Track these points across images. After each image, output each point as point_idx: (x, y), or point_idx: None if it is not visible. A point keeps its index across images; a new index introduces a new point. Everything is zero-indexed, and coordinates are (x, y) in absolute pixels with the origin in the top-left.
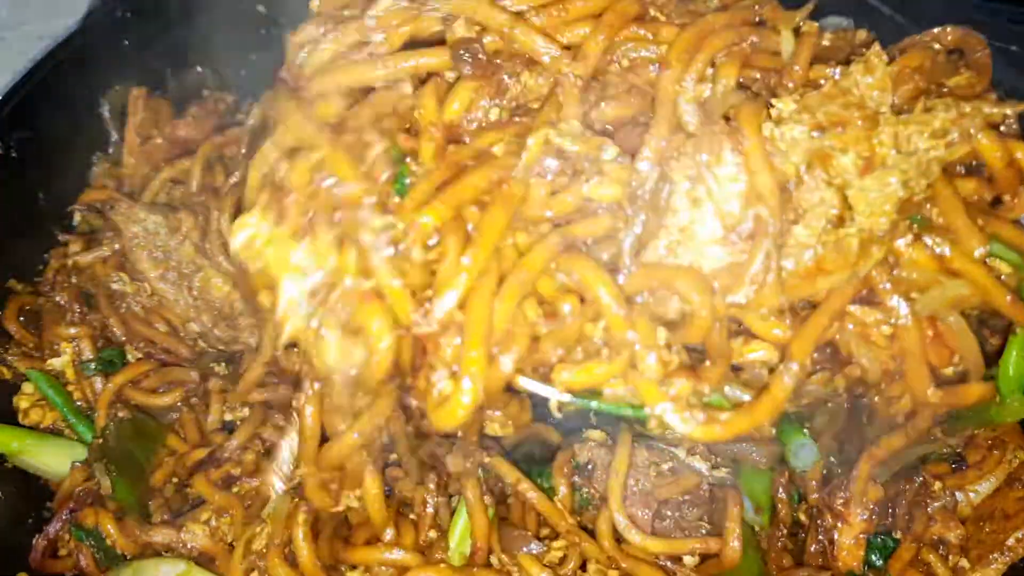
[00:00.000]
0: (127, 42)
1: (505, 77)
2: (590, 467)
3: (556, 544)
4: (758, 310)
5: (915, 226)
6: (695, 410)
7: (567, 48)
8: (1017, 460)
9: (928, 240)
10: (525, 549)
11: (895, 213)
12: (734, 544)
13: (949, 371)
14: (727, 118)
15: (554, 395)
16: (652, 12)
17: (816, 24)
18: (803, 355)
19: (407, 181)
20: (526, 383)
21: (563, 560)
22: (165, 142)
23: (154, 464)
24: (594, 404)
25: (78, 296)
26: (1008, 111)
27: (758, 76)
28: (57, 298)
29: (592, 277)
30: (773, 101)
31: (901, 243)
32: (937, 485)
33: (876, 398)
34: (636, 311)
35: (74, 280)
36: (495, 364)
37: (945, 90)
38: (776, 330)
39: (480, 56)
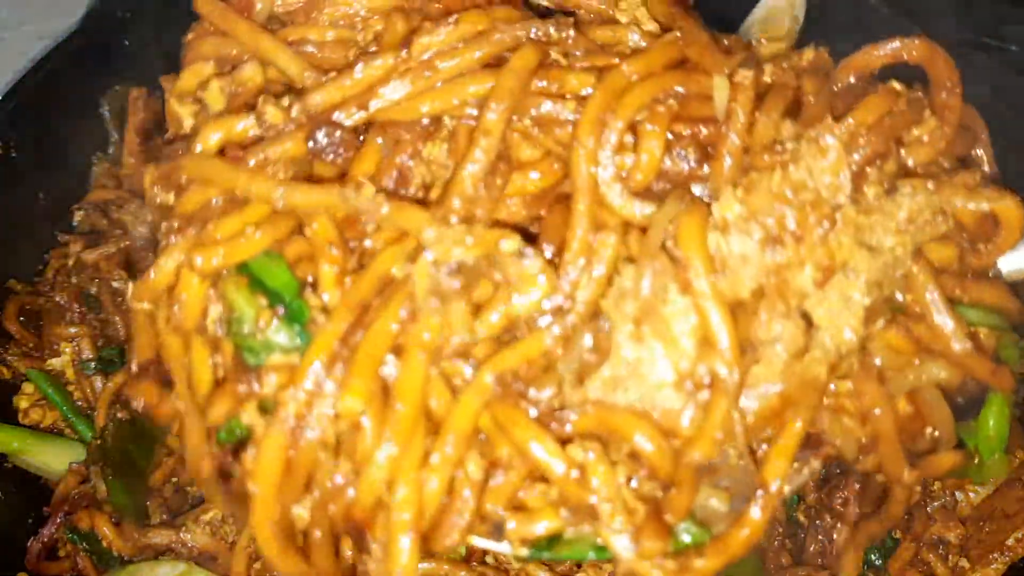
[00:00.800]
0: (127, 42)
1: (405, 159)
2: None
3: None
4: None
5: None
6: (666, 560)
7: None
8: (1017, 460)
9: (902, 320)
10: None
11: (862, 326)
12: None
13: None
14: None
15: (509, 550)
16: (554, 55)
17: (751, 74)
18: (779, 476)
19: (306, 323)
20: (479, 543)
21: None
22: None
23: (153, 464)
24: (554, 555)
25: (78, 296)
26: (984, 205)
27: (688, 133)
28: (57, 298)
29: (533, 447)
30: (715, 207)
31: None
32: (937, 485)
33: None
34: (591, 460)
35: (74, 280)
36: (441, 534)
37: (906, 157)
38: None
39: (343, 135)
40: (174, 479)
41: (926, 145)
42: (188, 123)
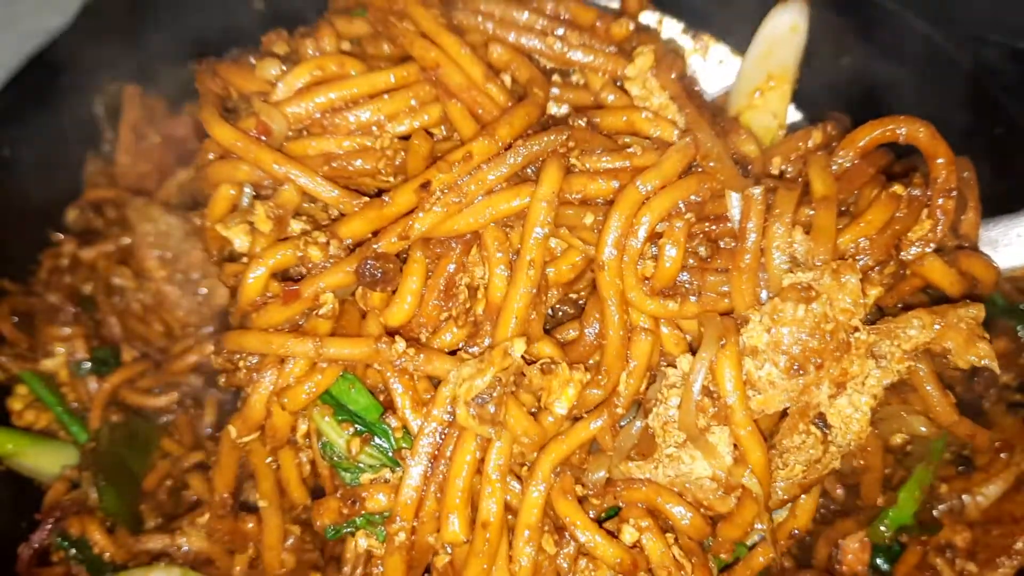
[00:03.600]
0: (121, 39)
1: (451, 268)
2: None
3: None
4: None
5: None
6: None
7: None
8: None
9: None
10: None
11: (869, 423)
12: None
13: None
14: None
15: None
16: (573, 160)
17: (761, 189)
18: (805, 523)
19: (385, 445)
20: None
21: None
22: (161, 141)
23: (148, 468)
24: None
25: (72, 296)
26: (974, 359)
27: (700, 233)
28: (50, 298)
29: (591, 546)
30: (744, 334)
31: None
32: (943, 488)
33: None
34: (648, 540)
35: (68, 280)
36: None
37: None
38: None
39: (388, 266)
40: (168, 481)
41: (921, 243)
42: (240, 243)
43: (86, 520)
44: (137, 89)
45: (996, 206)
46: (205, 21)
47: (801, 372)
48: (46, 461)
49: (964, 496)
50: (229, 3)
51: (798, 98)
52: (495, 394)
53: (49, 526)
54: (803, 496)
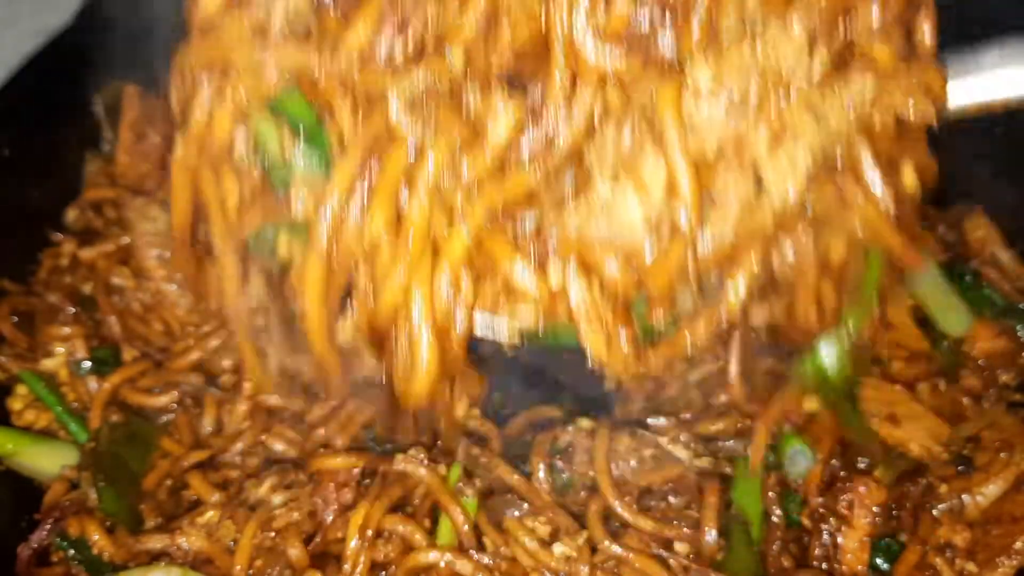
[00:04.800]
0: (120, 38)
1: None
2: (570, 449)
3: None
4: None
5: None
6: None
7: None
8: None
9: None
10: (510, 512)
11: (804, 186)
12: (709, 537)
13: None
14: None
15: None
16: None
17: None
18: (735, 294)
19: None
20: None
21: (553, 535)
22: (160, 140)
23: (147, 467)
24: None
25: (71, 296)
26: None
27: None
28: (50, 298)
29: (510, 271)
30: (688, 71)
31: None
32: (943, 487)
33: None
34: (570, 274)
35: (68, 280)
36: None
37: (852, 31)
38: None
39: None
40: (168, 481)
41: (872, 19)
42: None
43: (86, 520)
44: (137, 89)
45: (999, 205)
46: None
47: (740, 112)
48: (46, 461)
49: (964, 496)
50: None
51: None
52: (430, 89)
53: (48, 526)
54: (738, 278)
